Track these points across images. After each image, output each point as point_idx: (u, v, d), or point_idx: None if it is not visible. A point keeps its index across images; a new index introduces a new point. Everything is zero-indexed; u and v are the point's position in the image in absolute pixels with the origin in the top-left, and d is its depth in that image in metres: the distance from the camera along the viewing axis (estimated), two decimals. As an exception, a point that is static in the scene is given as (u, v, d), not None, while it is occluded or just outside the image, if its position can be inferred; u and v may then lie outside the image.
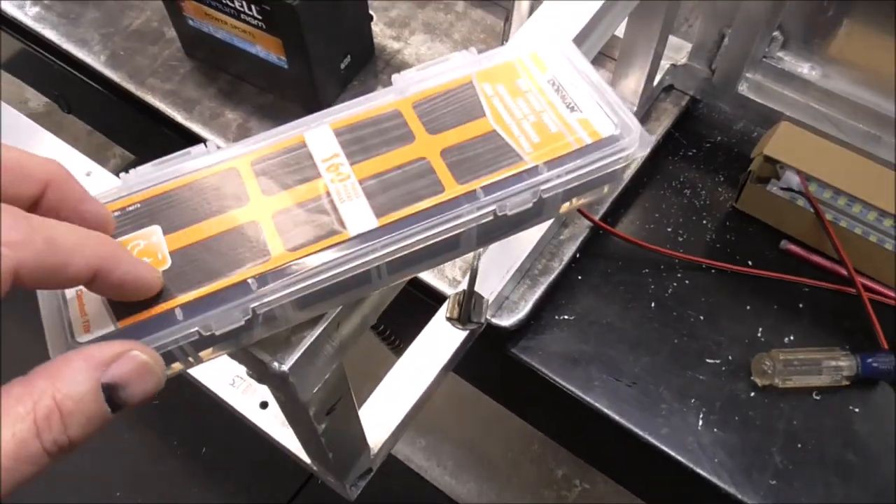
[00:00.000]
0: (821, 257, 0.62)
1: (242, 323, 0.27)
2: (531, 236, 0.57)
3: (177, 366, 0.28)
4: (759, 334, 0.60)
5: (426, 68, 0.33)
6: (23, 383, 0.24)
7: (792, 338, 0.60)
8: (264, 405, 0.54)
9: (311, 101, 0.67)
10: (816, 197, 0.61)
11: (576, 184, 0.30)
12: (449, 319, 0.53)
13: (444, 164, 0.31)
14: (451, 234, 0.29)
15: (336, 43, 0.67)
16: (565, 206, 0.32)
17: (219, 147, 0.32)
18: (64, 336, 0.27)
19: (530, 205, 0.30)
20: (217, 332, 0.27)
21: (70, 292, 0.28)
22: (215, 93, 0.71)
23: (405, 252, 0.29)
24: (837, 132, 0.62)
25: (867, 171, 0.60)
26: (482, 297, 0.53)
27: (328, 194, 0.30)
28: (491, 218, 0.30)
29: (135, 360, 0.25)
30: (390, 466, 0.81)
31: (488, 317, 0.56)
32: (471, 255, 0.53)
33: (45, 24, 0.77)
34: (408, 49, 0.72)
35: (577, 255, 0.62)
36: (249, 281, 0.28)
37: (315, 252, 0.28)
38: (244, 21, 0.63)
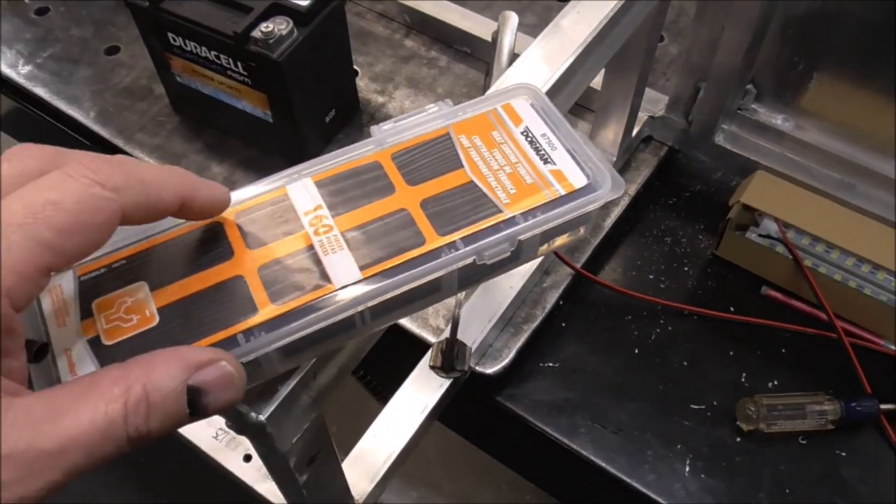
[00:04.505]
0: (801, 302, 0.63)
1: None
2: (514, 284, 0.58)
3: None
4: (742, 379, 0.60)
5: (403, 120, 0.34)
6: (120, 368, 0.25)
7: (776, 382, 0.60)
8: (247, 458, 0.53)
9: (296, 154, 0.68)
10: (795, 243, 0.62)
11: (552, 230, 0.31)
12: (432, 367, 0.54)
13: (424, 215, 0.31)
14: (432, 282, 0.30)
15: (321, 97, 0.68)
16: (543, 248, 0.33)
17: None
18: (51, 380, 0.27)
19: (508, 254, 0.30)
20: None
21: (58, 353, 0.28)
22: (202, 147, 0.73)
23: (388, 301, 0.29)
24: (812, 180, 0.64)
25: (841, 217, 0.61)
26: (465, 346, 0.54)
27: (311, 247, 0.30)
28: (471, 265, 0.30)
29: (222, 370, 0.26)
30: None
31: (472, 364, 0.57)
32: (452, 302, 0.53)
33: (37, 82, 0.78)
34: (392, 103, 0.74)
35: (561, 303, 0.63)
36: (238, 336, 0.28)
37: (301, 305, 0.29)
38: (231, 77, 0.65)
